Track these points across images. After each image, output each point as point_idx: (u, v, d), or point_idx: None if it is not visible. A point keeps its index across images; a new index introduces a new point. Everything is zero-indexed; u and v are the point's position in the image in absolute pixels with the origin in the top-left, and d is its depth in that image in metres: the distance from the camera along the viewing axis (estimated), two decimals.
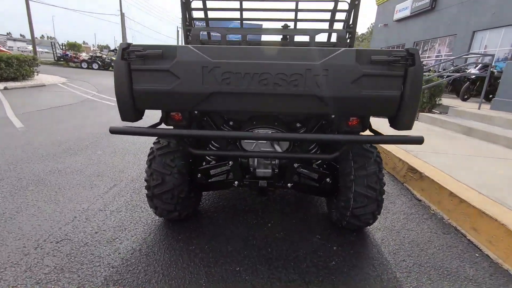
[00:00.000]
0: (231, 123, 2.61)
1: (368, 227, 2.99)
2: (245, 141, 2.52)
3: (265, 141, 2.51)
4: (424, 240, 2.84)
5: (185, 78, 1.85)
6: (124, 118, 2.01)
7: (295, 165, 2.60)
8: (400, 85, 1.85)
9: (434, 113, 9.58)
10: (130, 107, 1.95)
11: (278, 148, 2.41)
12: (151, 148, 2.73)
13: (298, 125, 2.58)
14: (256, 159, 2.74)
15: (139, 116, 2.09)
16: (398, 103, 1.89)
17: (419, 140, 1.91)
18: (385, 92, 1.85)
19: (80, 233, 2.71)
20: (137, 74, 1.88)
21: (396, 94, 1.86)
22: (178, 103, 1.94)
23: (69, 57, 32.79)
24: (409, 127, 1.98)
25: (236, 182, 2.68)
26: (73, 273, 2.17)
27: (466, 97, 12.28)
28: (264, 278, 2.22)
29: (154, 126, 2.33)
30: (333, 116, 2.13)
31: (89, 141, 5.81)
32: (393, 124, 2.05)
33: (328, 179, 2.89)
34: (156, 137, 2.75)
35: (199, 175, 2.88)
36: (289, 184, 2.68)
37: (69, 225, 2.83)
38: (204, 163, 2.99)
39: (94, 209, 3.17)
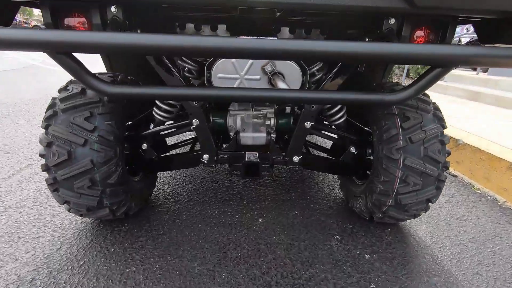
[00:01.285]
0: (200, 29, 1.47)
1: None
2: (219, 76, 1.38)
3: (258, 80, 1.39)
4: (489, 236, 1.92)
5: None
6: None
7: (307, 123, 1.53)
8: None
9: None
10: None
11: (282, 85, 1.24)
12: (53, 98, 1.54)
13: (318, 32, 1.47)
14: (238, 117, 1.63)
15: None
16: None
17: None
18: None
19: None
20: None
21: None
22: None
23: (18, 22, 29.42)
24: None
25: (205, 157, 1.58)
26: None
27: None
28: None
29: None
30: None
31: (16, 108, 4.40)
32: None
33: (352, 148, 1.85)
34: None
35: (144, 145, 1.73)
36: (295, 158, 1.61)
37: None
38: (152, 126, 1.84)
39: None
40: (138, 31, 1.24)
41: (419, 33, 1.25)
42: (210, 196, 2.22)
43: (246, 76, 1.34)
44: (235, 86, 1.36)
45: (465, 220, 2.09)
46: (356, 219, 2.01)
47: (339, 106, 1.68)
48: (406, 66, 7.96)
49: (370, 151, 1.90)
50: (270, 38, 0.86)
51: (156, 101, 1.64)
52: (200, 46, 0.83)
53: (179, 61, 1.56)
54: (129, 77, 1.80)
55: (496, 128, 3.44)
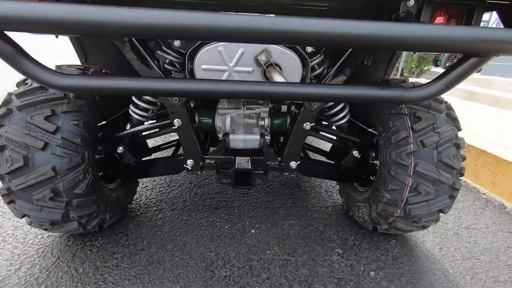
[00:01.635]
0: (176, 42, 1.27)
1: None
2: (204, 67, 1.17)
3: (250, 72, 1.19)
4: (502, 248, 1.77)
5: None
6: None
7: (306, 124, 1.33)
8: None
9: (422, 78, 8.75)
10: None
11: (279, 78, 1.02)
12: (8, 94, 1.31)
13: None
14: (228, 117, 1.43)
15: None
16: None
17: None
18: None
19: None
20: None
21: None
22: None
23: None
24: None
25: (189, 162, 1.37)
26: None
27: (448, 64, 11.74)
28: None
29: None
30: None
31: None
32: None
33: (355, 152, 1.67)
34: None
35: (120, 148, 1.52)
36: (293, 164, 1.41)
37: None
38: (129, 126, 1.62)
39: None
40: None
41: (439, 19, 1.06)
42: (197, 204, 2.01)
43: (236, 68, 1.13)
44: (223, 78, 1.15)
45: (474, 229, 1.94)
46: (358, 228, 1.83)
47: (341, 105, 1.50)
48: (401, 65, 7.85)
49: (374, 154, 1.72)
50: (267, 16, 0.66)
51: (133, 98, 1.42)
52: (170, 24, 0.63)
53: (158, 52, 1.34)
54: (104, 71, 1.57)
55: (496, 129, 3.32)
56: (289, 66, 1.12)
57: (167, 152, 2.64)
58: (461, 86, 6.70)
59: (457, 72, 0.81)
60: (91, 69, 1.51)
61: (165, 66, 1.35)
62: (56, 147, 1.23)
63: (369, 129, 1.74)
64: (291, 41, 0.68)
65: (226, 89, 0.78)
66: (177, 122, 1.27)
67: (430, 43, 0.72)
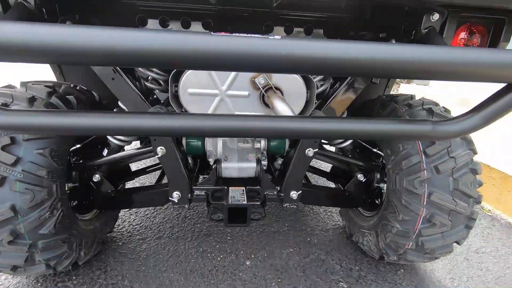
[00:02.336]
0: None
1: None
2: (191, 92, 0.99)
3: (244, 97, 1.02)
4: None
5: None
6: None
7: (309, 150, 1.18)
8: None
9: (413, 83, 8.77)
10: None
11: (280, 105, 0.84)
12: None
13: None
14: (219, 141, 1.26)
15: None
16: None
17: None
18: None
19: None
20: None
21: None
22: None
23: None
24: None
25: (176, 195, 1.20)
26: None
27: None
28: None
29: None
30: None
31: None
32: None
33: (359, 175, 1.53)
34: None
35: (96, 176, 1.33)
36: (293, 194, 1.26)
37: None
38: (106, 152, 1.43)
39: None
40: (67, 22, 0.84)
41: (463, 34, 0.93)
42: (186, 230, 1.83)
43: (230, 92, 0.96)
44: (213, 105, 0.98)
45: (484, 253, 1.81)
46: (362, 256, 1.68)
47: None
48: None
49: (379, 176, 1.58)
50: (264, 36, 0.50)
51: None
52: (146, 50, 0.46)
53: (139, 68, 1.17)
54: (78, 87, 1.39)
55: (498, 141, 3.25)
56: (291, 90, 0.96)
57: (154, 176, 2.41)
58: (453, 90, 6.71)
59: (500, 103, 0.67)
60: (63, 86, 1.32)
61: (146, 84, 1.18)
62: (16, 182, 1.04)
63: (373, 149, 1.60)
64: (303, 69, 0.52)
65: (218, 127, 0.61)
66: (160, 150, 1.09)
67: (473, 72, 0.57)
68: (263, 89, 0.91)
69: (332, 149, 1.71)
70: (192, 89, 0.94)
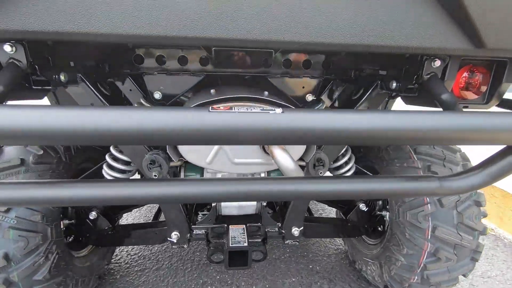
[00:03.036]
0: (157, 95, 1.09)
1: None
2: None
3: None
4: None
5: None
6: None
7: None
8: None
9: None
10: None
11: (281, 155, 0.81)
12: None
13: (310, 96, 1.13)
14: (218, 176, 1.23)
15: None
16: None
17: None
18: None
19: None
20: None
21: None
22: None
23: None
24: None
25: (174, 235, 1.17)
26: None
27: None
28: None
29: None
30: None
31: None
32: None
33: (361, 205, 1.50)
34: None
35: (93, 214, 1.30)
36: (295, 231, 1.23)
37: None
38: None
39: None
40: (62, 72, 0.81)
41: (464, 75, 0.92)
42: (185, 259, 1.79)
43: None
44: (212, 153, 0.96)
45: (489, 277, 1.78)
46: (366, 285, 1.65)
47: (347, 157, 1.33)
48: None
49: (380, 202, 1.56)
50: (263, 111, 0.48)
51: (107, 157, 1.22)
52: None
53: (136, 105, 1.15)
54: None
55: None
56: None
57: (154, 208, 2.31)
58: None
59: (508, 161, 0.65)
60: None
61: None
62: (9, 229, 1.01)
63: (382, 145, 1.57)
64: (305, 141, 0.50)
65: (216, 192, 0.59)
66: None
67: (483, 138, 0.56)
68: None
69: None
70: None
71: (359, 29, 0.62)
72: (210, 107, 0.48)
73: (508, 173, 0.65)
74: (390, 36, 0.63)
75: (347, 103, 1.22)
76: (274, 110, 0.50)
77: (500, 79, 0.89)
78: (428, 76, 0.81)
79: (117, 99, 1.18)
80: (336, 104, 1.39)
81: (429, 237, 1.21)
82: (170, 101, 1.19)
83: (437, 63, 0.80)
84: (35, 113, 0.46)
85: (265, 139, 0.49)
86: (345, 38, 0.63)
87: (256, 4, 0.58)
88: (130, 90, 1.25)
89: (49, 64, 0.76)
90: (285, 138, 0.49)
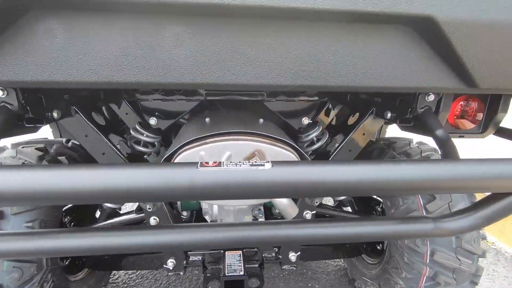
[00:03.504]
0: (152, 121, 1.10)
1: None
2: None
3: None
4: None
5: None
6: None
7: (306, 213, 1.15)
8: None
9: None
10: None
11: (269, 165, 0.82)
12: None
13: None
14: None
15: None
16: None
17: None
18: None
19: None
20: None
21: None
22: None
23: None
24: None
25: (170, 263, 1.16)
26: None
27: None
28: None
29: None
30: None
31: None
32: None
33: None
34: None
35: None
36: (292, 256, 1.22)
37: None
38: (99, 214, 1.40)
39: None
40: (55, 111, 0.81)
41: (458, 107, 0.92)
42: (183, 277, 1.78)
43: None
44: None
45: None
46: None
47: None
48: None
49: None
50: (252, 168, 0.48)
51: None
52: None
53: (132, 131, 1.15)
54: (70, 144, 1.36)
55: None
56: None
57: None
58: None
59: (505, 203, 0.64)
60: (54, 146, 1.30)
61: (135, 146, 1.17)
62: (3, 260, 1.00)
63: (373, 195, 1.57)
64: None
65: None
66: (153, 220, 1.06)
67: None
68: None
69: (331, 200, 1.68)
70: None
71: (351, 73, 0.62)
72: (199, 163, 0.48)
73: (504, 215, 0.64)
74: (384, 78, 0.63)
75: (343, 128, 1.23)
76: (264, 165, 0.50)
77: (496, 109, 0.88)
78: (422, 109, 0.81)
79: (112, 128, 1.18)
80: (333, 123, 1.39)
81: (428, 261, 1.20)
82: (166, 127, 1.19)
83: (431, 97, 0.80)
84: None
85: (255, 195, 0.49)
86: (335, 81, 0.63)
87: (247, 52, 0.58)
88: (126, 113, 1.25)
89: (41, 104, 0.76)
90: (275, 193, 0.49)
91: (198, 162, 0.49)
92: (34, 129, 0.85)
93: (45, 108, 0.77)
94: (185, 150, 0.83)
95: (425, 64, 0.63)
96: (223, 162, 0.49)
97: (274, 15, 0.54)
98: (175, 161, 0.83)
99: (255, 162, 0.86)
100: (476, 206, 0.67)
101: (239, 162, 0.50)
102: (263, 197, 0.54)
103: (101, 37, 0.54)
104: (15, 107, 0.68)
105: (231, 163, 0.49)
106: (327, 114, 1.31)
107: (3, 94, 0.66)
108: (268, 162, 0.50)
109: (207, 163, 0.49)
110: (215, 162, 0.49)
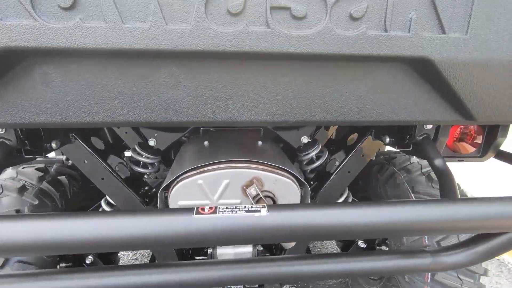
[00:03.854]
0: (151, 142, 1.11)
1: None
2: (181, 204, 0.93)
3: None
4: None
5: None
6: None
7: None
8: None
9: None
10: None
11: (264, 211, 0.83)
12: None
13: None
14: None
15: None
16: None
17: None
18: None
19: None
20: None
21: None
22: None
23: None
24: None
25: None
26: None
27: None
28: None
29: None
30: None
31: None
32: None
33: (360, 242, 1.49)
34: None
35: (90, 258, 1.31)
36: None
37: None
38: None
39: None
40: (53, 141, 0.82)
41: (457, 132, 0.91)
42: None
43: (221, 201, 0.93)
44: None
45: None
46: None
47: (344, 197, 1.32)
48: None
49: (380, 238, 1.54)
50: (249, 213, 0.48)
51: (102, 203, 1.22)
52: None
53: (132, 153, 1.15)
54: (70, 163, 1.37)
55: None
56: (285, 193, 0.93)
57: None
58: None
59: (504, 239, 0.63)
60: (55, 166, 1.31)
61: (134, 168, 1.18)
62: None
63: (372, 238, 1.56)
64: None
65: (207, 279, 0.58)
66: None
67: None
68: (253, 199, 0.87)
69: None
70: (182, 201, 0.90)
71: (350, 108, 0.62)
72: (195, 210, 0.48)
73: (503, 251, 0.64)
74: (382, 113, 0.63)
75: (342, 148, 1.23)
76: (260, 210, 0.49)
77: (495, 135, 0.88)
78: (421, 137, 0.81)
79: (111, 151, 1.19)
80: (333, 142, 1.39)
81: (429, 280, 1.20)
82: (165, 147, 1.19)
83: (429, 126, 0.80)
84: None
85: (251, 241, 0.49)
86: (334, 116, 0.63)
87: (243, 91, 0.58)
88: (126, 132, 1.25)
89: (39, 137, 0.76)
90: (271, 238, 0.49)
91: (193, 209, 0.49)
92: (33, 159, 0.85)
93: (44, 140, 0.78)
94: (183, 179, 0.83)
95: (423, 99, 0.63)
96: (218, 208, 0.49)
97: (270, 58, 0.54)
98: (174, 189, 0.83)
99: (252, 192, 0.86)
100: (475, 240, 0.67)
101: (235, 207, 0.50)
102: (260, 242, 0.54)
103: (97, 80, 0.55)
104: (13, 142, 0.68)
105: (227, 209, 0.49)
106: (327, 131, 1.31)
107: (1, 131, 0.67)
108: (264, 207, 0.50)
109: (202, 209, 0.49)
110: (211, 208, 0.49)
